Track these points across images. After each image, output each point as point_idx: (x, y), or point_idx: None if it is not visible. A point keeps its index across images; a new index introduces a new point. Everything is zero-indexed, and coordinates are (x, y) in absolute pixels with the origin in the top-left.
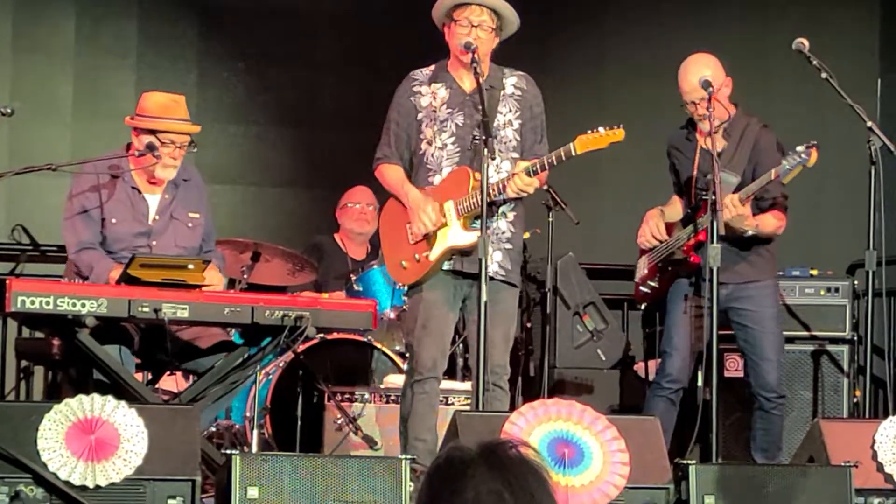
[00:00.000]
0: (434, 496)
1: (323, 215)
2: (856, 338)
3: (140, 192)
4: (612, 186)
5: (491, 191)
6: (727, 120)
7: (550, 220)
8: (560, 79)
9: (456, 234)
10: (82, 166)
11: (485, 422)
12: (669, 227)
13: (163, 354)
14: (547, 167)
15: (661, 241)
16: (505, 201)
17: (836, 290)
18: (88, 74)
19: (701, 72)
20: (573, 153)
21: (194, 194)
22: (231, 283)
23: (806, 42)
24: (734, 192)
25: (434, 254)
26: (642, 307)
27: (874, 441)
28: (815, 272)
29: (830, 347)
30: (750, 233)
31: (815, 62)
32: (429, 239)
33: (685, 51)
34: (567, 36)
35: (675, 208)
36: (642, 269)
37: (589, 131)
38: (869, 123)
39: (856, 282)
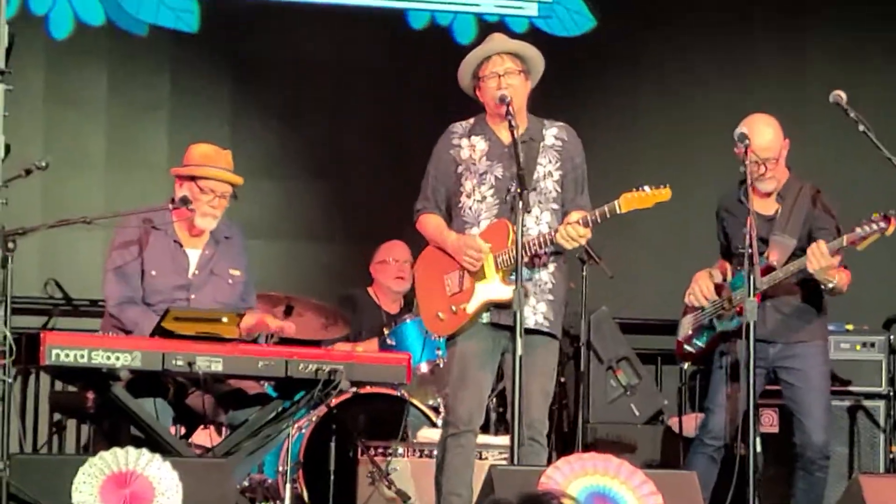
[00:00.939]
0: None
1: (356, 268)
2: (892, 393)
3: (182, 245)
4: (646, 241)
5: (532, 243)
6: (781, 183)
7: (584, 274)
8: (594, 131)
9: (494, 288)
10: (118, 219)
11: (520, 476)
12: (718, 288)
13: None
14: (591, 224)
15: (710, 301)
16: (546, 253)
17: (873, 345)
18: (121, 127)
19: (768, 131)
20: (618, 211)
21: (236, 252)
22: (266, 337)
23: (843, 95)
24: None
25: (472, 306)
26: (685, 366)
27: None
28: (850, 327)
29: (867, 403)
30: (831, 286)
31: (852, 114)
32: (466, 291)
33: (721, 102)
34: (601, 87)
35: (722, 271)
36: (687, 328)
37: (634, 189)
38: None
39: (892, 337)
